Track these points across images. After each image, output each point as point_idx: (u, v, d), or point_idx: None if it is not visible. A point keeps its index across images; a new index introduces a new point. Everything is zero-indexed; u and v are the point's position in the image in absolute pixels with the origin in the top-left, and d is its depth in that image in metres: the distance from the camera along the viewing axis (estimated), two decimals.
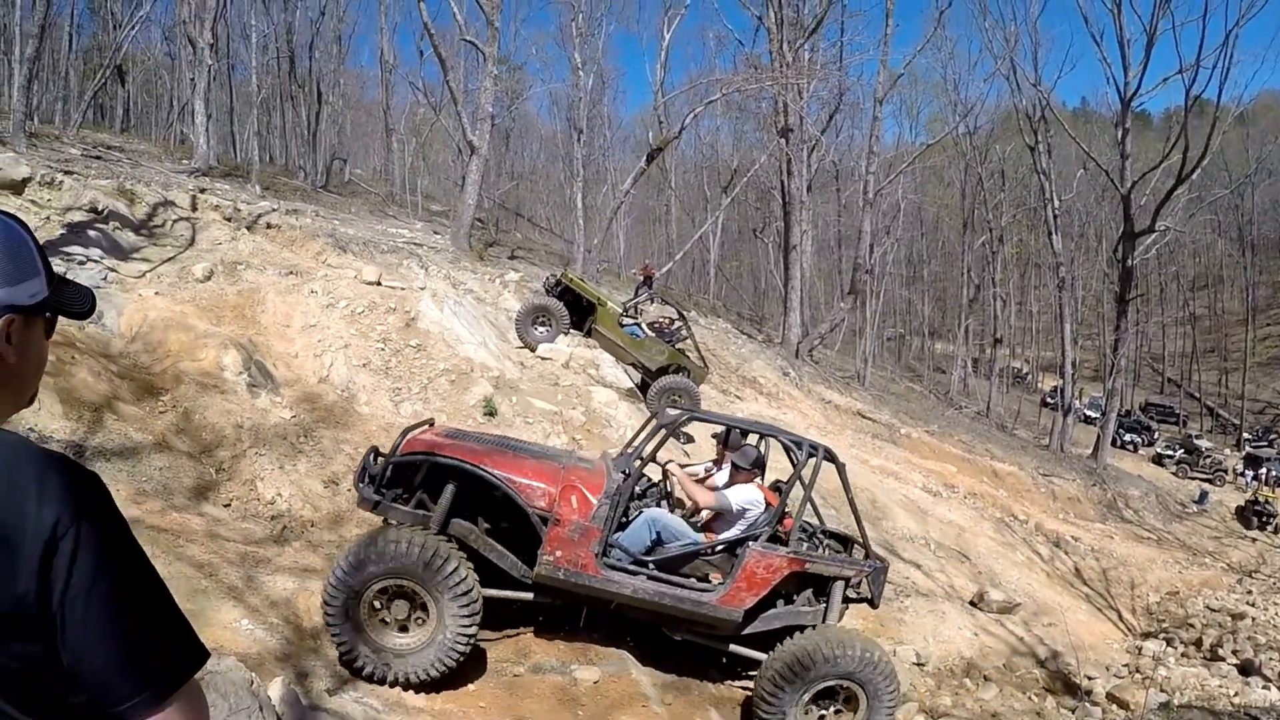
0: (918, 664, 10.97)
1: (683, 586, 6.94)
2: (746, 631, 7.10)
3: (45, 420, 8.01)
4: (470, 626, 6.32)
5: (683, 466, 8.40)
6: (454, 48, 34.57)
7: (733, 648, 7.30)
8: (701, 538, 7.36)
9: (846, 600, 7.55)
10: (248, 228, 16.49)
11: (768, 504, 7.48)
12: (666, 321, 17.14)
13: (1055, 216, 36.82)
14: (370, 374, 11.96)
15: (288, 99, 41.49)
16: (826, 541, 8.19)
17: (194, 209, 16.60)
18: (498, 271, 21.10)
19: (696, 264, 54.20)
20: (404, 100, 52.29)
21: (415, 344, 12.69)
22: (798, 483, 7.44)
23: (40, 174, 15.11)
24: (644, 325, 16.77)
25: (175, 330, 11.97)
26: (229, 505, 8.64)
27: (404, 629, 6.37)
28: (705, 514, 7.66)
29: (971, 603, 13.72)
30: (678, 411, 8.85)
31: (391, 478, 6.94)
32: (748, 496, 7.47)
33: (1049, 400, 49.12)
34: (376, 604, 6.27)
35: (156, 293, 13.14)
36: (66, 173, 15.84)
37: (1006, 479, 23.98)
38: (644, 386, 15.83)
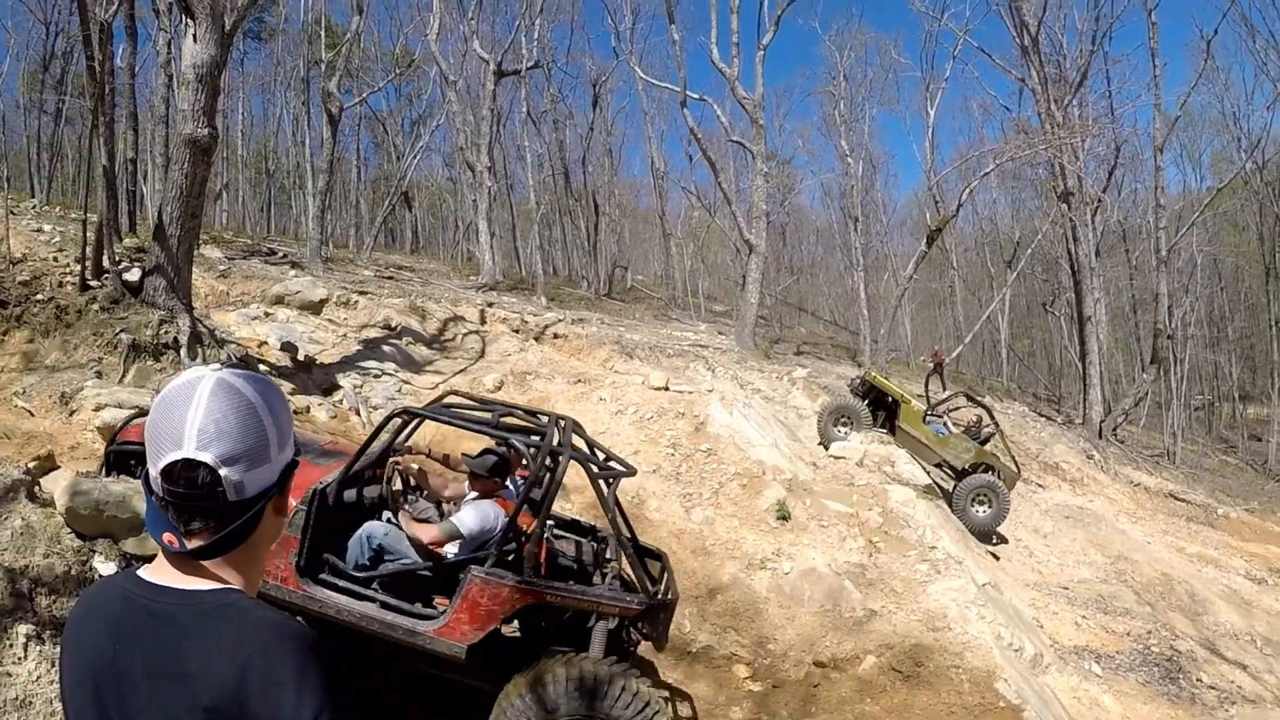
0: None
1: (399, 611, 5.81)
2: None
3: None
4: None
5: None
6: (722, 149, 35.12)
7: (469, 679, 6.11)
8: (413, 557, 6.14)
9: (628, 639, 6.64)
10: (535, 338, 16.87)
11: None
12: (975, 421, 16.38)
13: None
14: (660, 479, 11.77)
15: (566, 213, 43.38)
16: (617, 567, 6.88)
17: (483, 322, 17.18)
18: (784, 369, 20.79)
19: (986, 345, 52.08)
20: (678, 204, 53.19)
21: (705, 448, 12.42)
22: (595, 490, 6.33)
23: (336, 295, 16.05)
24: (949, 423, 16.09)
25: (468, 440, 12.20)
26: None
27: None
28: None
29: None
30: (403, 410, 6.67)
31: (117, 466, 6.20)
32: (481, 515, 6.11)
33: None
34: None
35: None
36: (361, 293, 16.75)
37: None
38: (951, 490, 15.20)
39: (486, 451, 6.53)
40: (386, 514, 6.49)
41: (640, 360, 16.97)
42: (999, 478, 15.10)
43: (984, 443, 15.74)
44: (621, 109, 48.89)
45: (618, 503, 6.68)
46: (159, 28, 23.33)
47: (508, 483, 6.57)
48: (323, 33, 37.05)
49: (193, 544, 1.46)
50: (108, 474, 6.45)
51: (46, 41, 38.05)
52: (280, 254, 24.02)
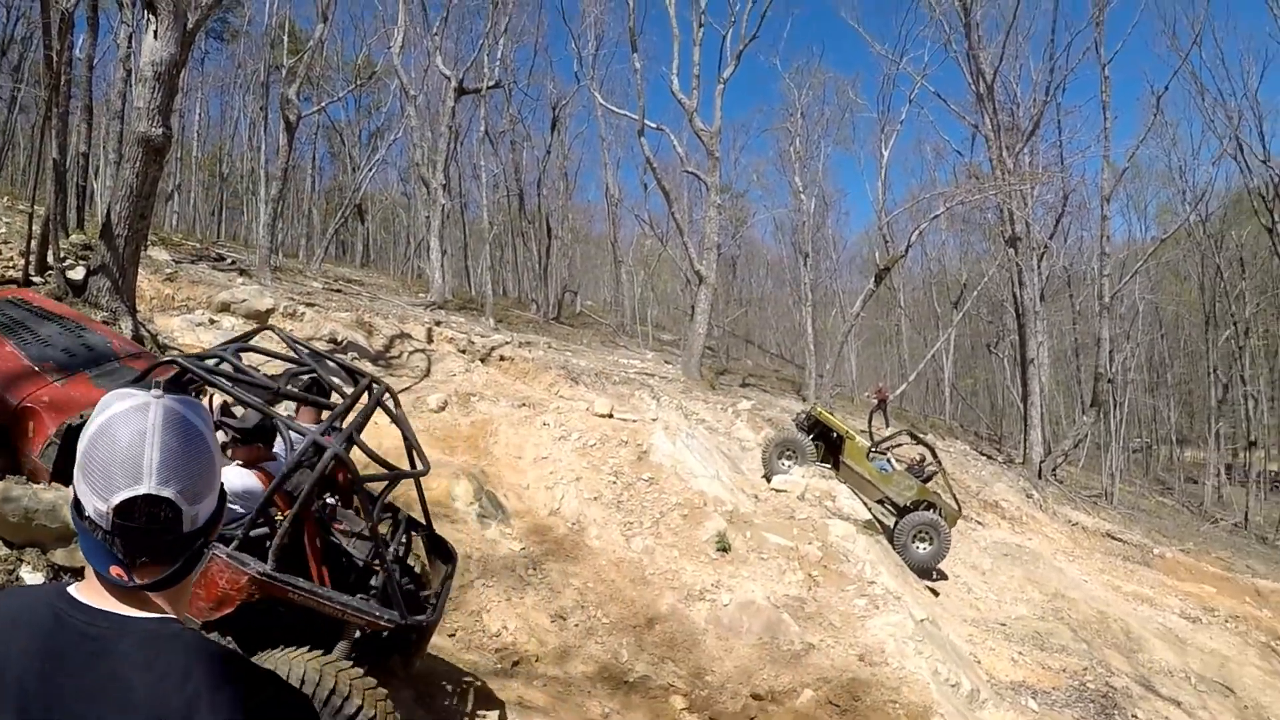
0: None
1: None
2: None
3: None
4: None
5: None
6: (676, 179, 35.34)
7: None
8: None
9: (375, 647, 5.70)
10: (482, 360, 16.76)
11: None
12: (918, 459, 16.56)
13: None
14: (601, 507, 11.73)
15: (519, 234, 43.31)
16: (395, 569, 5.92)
17: (430, 341, 17.05)
18: (729, 400, 20.83)
19: (930, 383, 52.50)
20: (631, 232, 53.29)
21: (647, 477, 12.40)
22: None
23: (283, 305, 15.86)
24: (893, 460, 16.25)
25: (407, 458, 12.10)
26: (454, 635, 8.49)
27: None
28: None
29: None
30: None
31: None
32: (248, 483, 5.28)
33: None
34: None
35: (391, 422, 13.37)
36: (308, 304, 16.57)
37: (1271, 598, 21.76)
38: (893, 526, 15.35)
39: (258, 412, 5.39)
40: None
41: (586, 386, 16.93)
42: (940, 515, 15.22)
43: (926, 480, 15.87)
44: (579, 134, 48.90)
45: (423, 499, 6.57)
46: (121, 20, 22.97)
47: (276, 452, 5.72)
48: (285, 38, 36.68)
49: (143, 578, 1.43)
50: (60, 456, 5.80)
51: (5, 25, 37.17)
52: (229, 260, 23.71)
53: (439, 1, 34.55)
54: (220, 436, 5.30)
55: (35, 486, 5.39)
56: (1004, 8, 33.27)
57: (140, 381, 5.39)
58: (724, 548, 11.22)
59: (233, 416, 5.84)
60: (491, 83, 32.47)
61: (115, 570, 1.41)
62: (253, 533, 5.01)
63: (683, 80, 26.97)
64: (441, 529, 10.29)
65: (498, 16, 32.90)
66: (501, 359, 17.32)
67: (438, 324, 18.82)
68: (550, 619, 9.38)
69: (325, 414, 6.04)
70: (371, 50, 41.39)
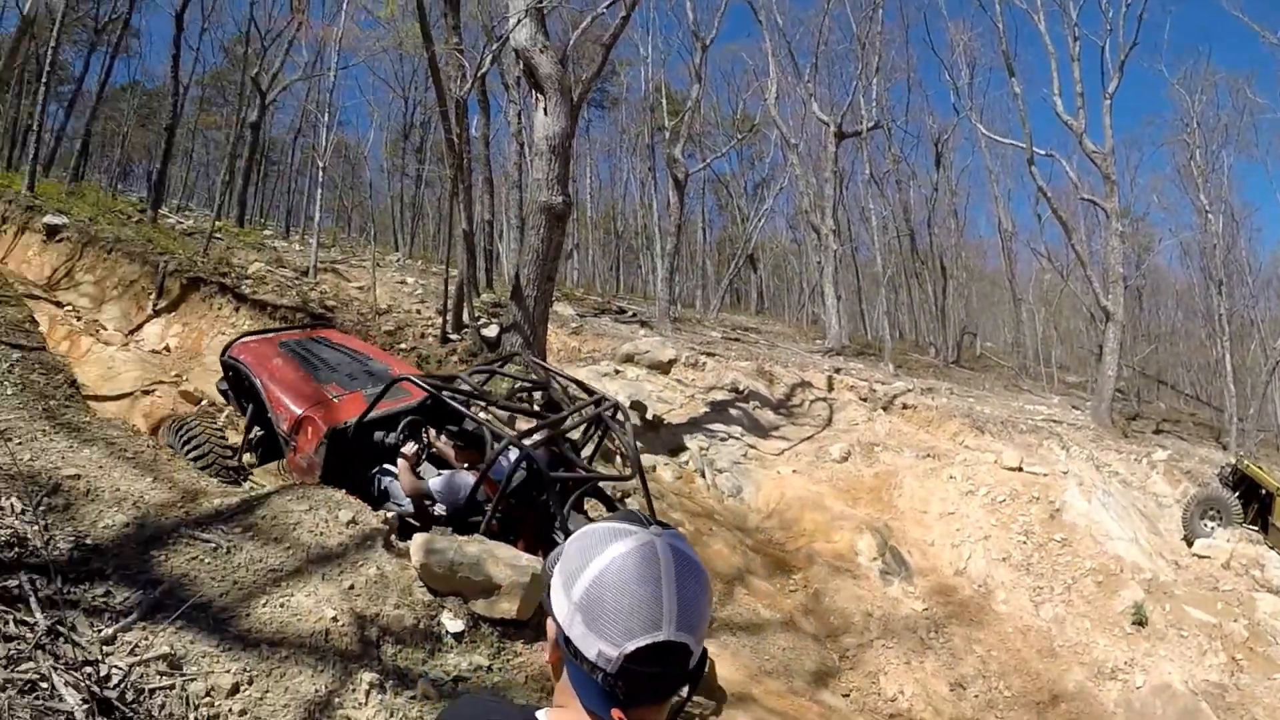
0: None
1: None
2: None
3: None
4: None
5: None
6: (1072, 207, 33.63)
7: None
8: (408, 505, 6.98)
9: None
10: (883, 408, 16.78)
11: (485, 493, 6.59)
12: None
13: None
14: (1010, 569, 11.42)
15: (912, 275, 42.85)
16: None
17: (830, 389, 17.27)
18: (1143, 450, 19.46)
19: None
20: (1028, 267, 50.68)
21: (1060, 538, 11.96)
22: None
23: (685, 356, 16.57)
24: None
25: (811, 510, 12.34)
26: (848, 695, 8.55)
27: None
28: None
29: None
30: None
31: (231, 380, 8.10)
32: (449, 483, 6.79)
33: None
34: None
35: (794, 470, 13.69)
36: (708, 354, 17.23)
37: None
38: None
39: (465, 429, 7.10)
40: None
41: (991, 436, 16.41)
42: None
43: None
44: (965, 167, 47.59)
45: (649, 496, 7.30)
46: (509, 100, 25.40)
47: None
48: (664, 100, 38.46)
49: (637, 718, 1.41)
50: (226, 384, 8.62)
51: (406, 113, 42.87)
52: (630, 313, 25.12)
53: (806, 49, 35.01)
54: (445, 443, 7.24)
55: (459, 540, 5.94)
56: None
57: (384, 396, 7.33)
58: (1140, 621, 10.67)
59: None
60: (870, 124, 32.40)
61: (616, 713, 1.40)
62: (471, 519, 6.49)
63: (1065, 100, 25.78)
64: (843, 583, 10.47)
65: (867, 57, 32.75)
66: (904, 407, 17.20)
67: (837, 371, 19.03)
68: (949, 687, 9.24)
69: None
70: (747, 104, 42.50)
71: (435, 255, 41.32)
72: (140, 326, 14.79)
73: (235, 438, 8.72)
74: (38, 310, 13.47)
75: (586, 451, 7.87)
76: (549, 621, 1.48)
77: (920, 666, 9.32)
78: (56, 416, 7.47)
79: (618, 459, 11.76)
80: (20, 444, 6.43)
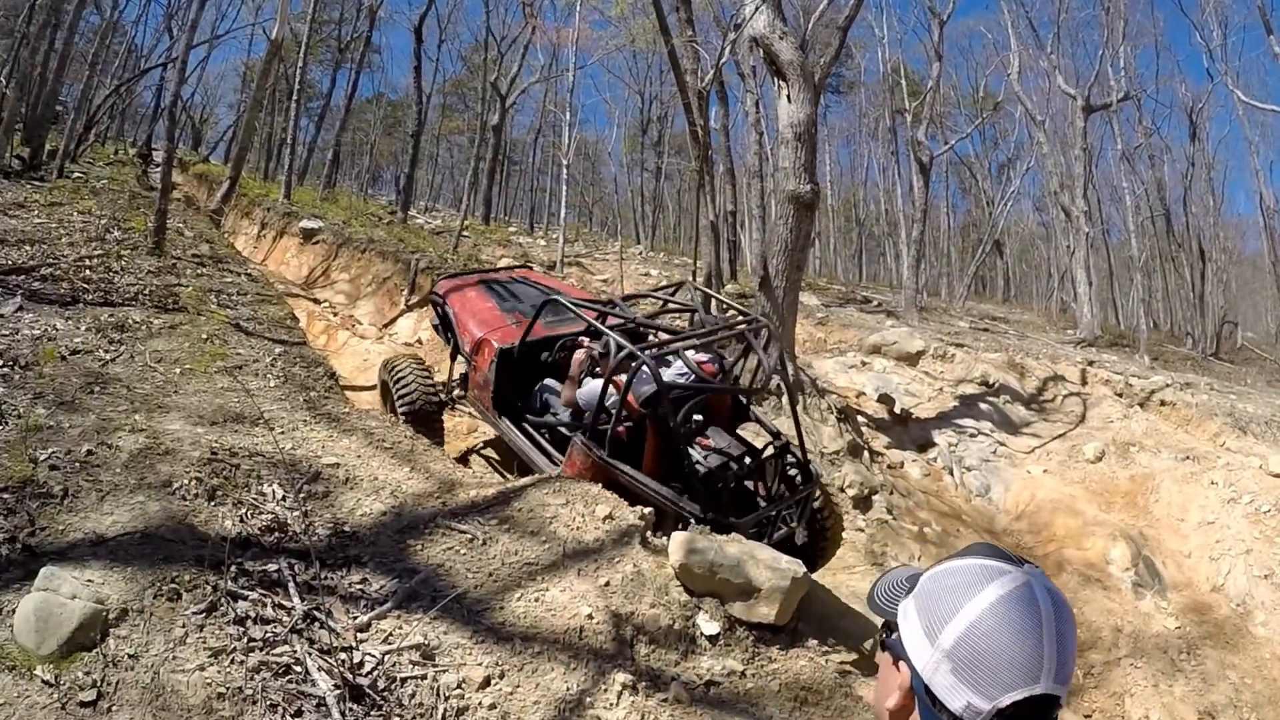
0: None
1: (540, 450, 7.89)
2: None
3: None
4: None
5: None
6: None
7: None
8: (565, 414, 7.92)
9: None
10: (1140, 404, 15.79)
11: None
12: None
13: None
14: (1271, 588, 10.43)
15: (1167, 259, 39.97)
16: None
17: (1083, 383, 16.42)
18: None
19: None
20: None
21: None
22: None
23: (933, 347, 16.07)
24: None
25: (1062, 514, 11.76)
26: (1089, 717, 8.05)
27: None
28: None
29: None
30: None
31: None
32: (590, 392, 7.47)
33: None
34: None
35: (1045, 471, 13.09)
36: (957, 345, 16.66)
37: None
38: None
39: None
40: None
41: (1255, 437, 14.94)
42: None
43: None
44: (1223, 139, 44.22)
45: (798, 423, 7.89)
46: (745, 90, 25.19)
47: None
48: (903, 81, 37.45)
49: None
50: (437, 319, 10.08)
51: (643, 109, 43.45)
52: (875, 303, 24.67)
53: (1047, 18, 33.30)
54: (581, 356, 7.95)
55: (719, 540, 5.81)
56: None
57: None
58: None
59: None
60: (1120, 95, 30.44)
61: None
62: (600, 427, 6.96)
63: None
64: (1093, 594, 9.88)
65: (1111, 22, 30.72)
66: (1162, 404, 16.05)
67: (1090, 364, 18.02)
68: (1197, 715, 8.55)
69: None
70: (989, 80, 40.97)
71: (676, 248, 41.95)
72: (393, 320, 15.63)
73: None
74: (297, 307, 14.34)
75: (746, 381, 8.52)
76: (889, 663, 1.38)
77: (1169, 690, 8.65)
78: (317, 407, 7.86)
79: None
80: (283, 433, 6.80)
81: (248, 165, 30.40)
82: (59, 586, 4.08)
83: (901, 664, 1.35)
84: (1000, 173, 45.50)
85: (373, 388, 10.61)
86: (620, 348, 6.94)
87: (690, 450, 7.17)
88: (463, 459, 9.51)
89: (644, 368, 6.68)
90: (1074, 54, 36.02)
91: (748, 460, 7.60)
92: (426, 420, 8.83)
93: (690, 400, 7.13)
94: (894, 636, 1.37)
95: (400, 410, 8.80)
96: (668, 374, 7.08)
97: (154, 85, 33.48)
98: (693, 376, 7.00)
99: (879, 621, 1.48)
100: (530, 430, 8.20)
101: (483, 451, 10.17)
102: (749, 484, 7.75)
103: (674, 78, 16.07)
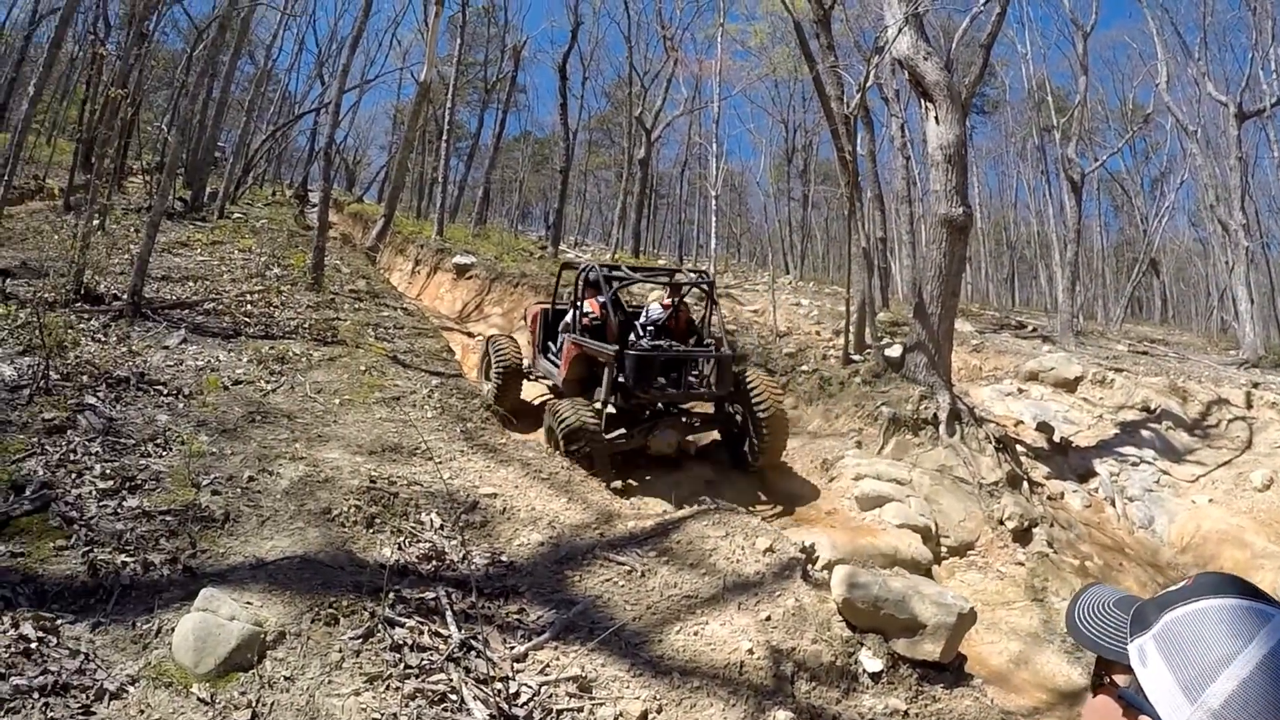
0: None
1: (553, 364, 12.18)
2: None
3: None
4: None
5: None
6: None
7: None
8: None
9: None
10: None
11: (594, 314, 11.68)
12: None
13: None
14: None
15: None
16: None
17: (1248, 406, 15.69)
18: None
19: None
20: None
21: None
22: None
23: (1091, 372, 15.55)
24: None
25: (1230, 545, 11.28)
26: None
27: None
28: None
29: None
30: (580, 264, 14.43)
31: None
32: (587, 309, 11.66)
33: None
34: None
35: (1210, 500, 12.57)
36: (1116, 369, 16.09)
37: None
38: None
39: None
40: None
41: None
42: None
43: None
44: None
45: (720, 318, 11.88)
46: (890, 114, 24.86)
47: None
48: (1048, 97, 36.45)
49: None
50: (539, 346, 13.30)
51: (787, 138, 43.32)
52: (1030, 328, 24.04)
53: (1193, 23, 31.91)
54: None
55: (884, 574, 5.74)
56: None
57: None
58: None
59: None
60: (1273, 100, 28.88)
61: None
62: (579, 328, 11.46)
63: None
64: None
65: (1260, 23, 29.01)
66: None
67: (1254, 385, 17.19)
68: None
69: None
70: (1137, 92, 39.58)
71: (825, 277, 41.64)
72: None
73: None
74: (452, 340, 14.71)
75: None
76: (1117, 712, 1.24)
77: None
78: (474, 437, 8.04)
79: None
80: (440, 463, 6.94)
81: (400, 204, 31.34)
82: (218, 608, 4.25)
83: (1122, 709, 1.22)
84: (1153, 187, 43.79)
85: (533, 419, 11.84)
86: (589, 269, 12.10)
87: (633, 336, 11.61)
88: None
89: (591, 270, 11.96)
90: (1223, 59, 34.91)
91: (678, 347, 11.15)
92: (515, 376, 12.69)
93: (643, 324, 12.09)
94: (1129, 686, 1.24)
95: (495, 371, 12.48)
96: (643, 319, 12.22)
97: (308, 129, 35.15)
98: (660, 310, 12.17)
99: (1081, 649, 1.38)
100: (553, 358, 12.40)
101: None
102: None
103: (819, 104, 16.06)
